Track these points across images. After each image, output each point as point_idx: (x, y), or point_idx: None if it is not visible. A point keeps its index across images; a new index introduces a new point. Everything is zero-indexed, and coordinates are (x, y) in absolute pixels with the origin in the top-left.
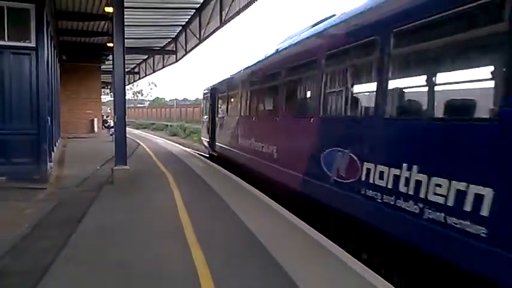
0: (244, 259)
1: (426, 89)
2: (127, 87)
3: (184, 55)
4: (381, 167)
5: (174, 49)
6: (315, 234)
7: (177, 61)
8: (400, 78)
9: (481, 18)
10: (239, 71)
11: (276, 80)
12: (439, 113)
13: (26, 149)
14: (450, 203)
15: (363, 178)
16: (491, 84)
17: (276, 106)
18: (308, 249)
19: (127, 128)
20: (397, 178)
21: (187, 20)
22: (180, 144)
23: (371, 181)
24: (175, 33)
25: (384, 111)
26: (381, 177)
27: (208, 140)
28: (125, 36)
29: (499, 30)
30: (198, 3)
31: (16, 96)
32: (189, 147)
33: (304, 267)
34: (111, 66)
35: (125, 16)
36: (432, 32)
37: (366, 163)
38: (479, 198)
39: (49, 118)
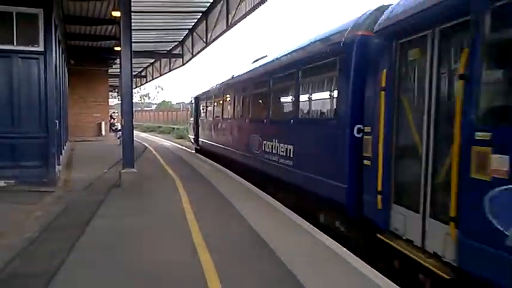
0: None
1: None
2: (134, 90)
3: (190, 58)
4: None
5: (181, 52)
6: (319, 234)
7: (183, 64)
8: (272, 101)
9: (326, 69)
10: (212, 87)
11: (231, 96)
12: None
13: (35, 152)
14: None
15: (263, 149)
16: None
17: (232, 112)
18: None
19: (134, 131)
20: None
21: (194, 23)
22: (186, 147)
23: (266, 150)
24: (182, 37)
25: (268, 116)
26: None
27: (193, 137)
28: (132, 40)
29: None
30: (205, 7)
31: (25, 100)
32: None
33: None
34: (118, 70)
35: (132, 20)
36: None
37: (264, 142)
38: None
39: (57, 122)
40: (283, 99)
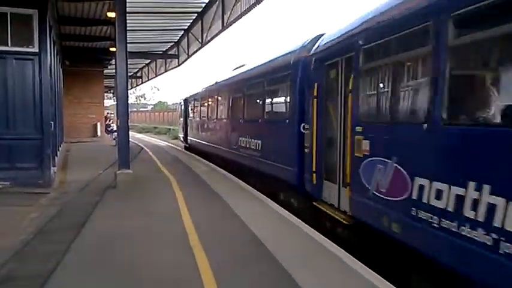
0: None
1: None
2: (130, 91)
3: (186, 59)
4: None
5: (177, 53)
6: (317, 235)
7: (179, 65)
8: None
9: (282, 81)
10: (199, 90)
11: (214, 99)
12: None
13: (30, 154)
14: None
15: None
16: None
17: (215, 113)
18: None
19: (130, 132)
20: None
21: (189, 24)
22: (181, 147)
23: (242, 145)
24: (178, 38)
25: (243, 117)
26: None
27: (183, 135)
28: (128, 41)
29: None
30: (200, 8)
31: (19, 101)
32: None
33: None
34: (113, 71)
35: (127, 21)
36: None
37: (240, 138)
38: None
39: (52, 123)
40: (254, 103)
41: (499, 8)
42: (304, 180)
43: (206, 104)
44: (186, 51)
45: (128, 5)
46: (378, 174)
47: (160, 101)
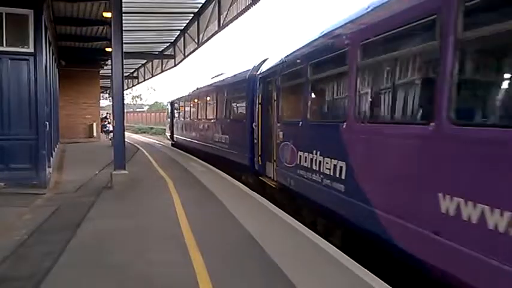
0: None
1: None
2: (126, 91)
3: (182, 59)
4: (217, 135)
5: (173, 53)
6: (307, 232)
7: (175, 65)
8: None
9: (241, 91)
10: (183, 95)
11: (195, 102)
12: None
13: (25, 154)
14: (226, 141)
15: (214, 140)
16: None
17: (196, 114)
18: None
19: (126, 133)
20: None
21: (185, 24)
22: (178, 148)
23: (215, 140)
24: (174, 38)
25: (216, 117)
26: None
27: (170, 134)
28: (124, 41)
29: (244, 94)
30: (197, 8)
31: (14, 101)
32: (185, 152)
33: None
34: (110, 71)
35: (123, 21)
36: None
37: (214, 134)
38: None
39: (48, 123)
40: (223, 106)
41: (388, 41)
42: (254, 162)
43: (188, 107)
44: (183, 52)
45: (124, 5)
46: (285, 152)
47: (156, 102)
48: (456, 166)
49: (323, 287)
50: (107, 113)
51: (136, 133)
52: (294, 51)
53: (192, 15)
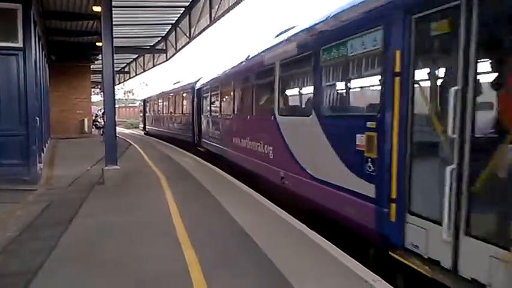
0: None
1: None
2: (118, 86)
3: (174, 54)
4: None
5: (164, 48)
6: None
7: (167, 60)
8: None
9: (187, 96)
10: (150, 96)
11: (160, 101)
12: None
13: (15, 150)
14: (181, 128)
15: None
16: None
17: (161, 110)
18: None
19: (118, 128)
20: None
21: (177, 18)
22: (170, 143)
23: (171, 127)
24: (165, 32)
25: (169, 113)
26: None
27: (143, 125)
28: (114, 36)
29: (190, 98)
30: (188, 1)
31: (4, 97)
32: (177, 146)
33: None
34: (100, 66)
35: (114, 15)
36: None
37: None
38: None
39: (38, 119)
40: (177, 104)
41: (290, 64)
42: (195, 139)
43: (156, 105)
44: (174, 46)
45: None
46: (206, 132)
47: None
48: (282, 131)
49: (314, 278)
50: (98, 110)
51: (129, 128)
52: (211, 79)
53: (183, 8)
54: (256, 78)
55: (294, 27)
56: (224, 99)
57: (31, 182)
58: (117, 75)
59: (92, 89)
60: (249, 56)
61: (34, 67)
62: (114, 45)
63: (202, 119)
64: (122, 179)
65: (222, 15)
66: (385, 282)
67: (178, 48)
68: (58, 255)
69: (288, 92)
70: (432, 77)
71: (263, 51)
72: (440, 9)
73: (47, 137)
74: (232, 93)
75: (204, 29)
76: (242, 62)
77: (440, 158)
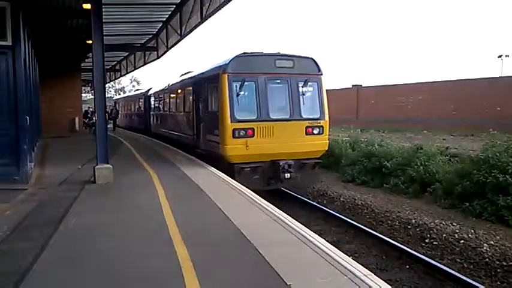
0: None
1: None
2: (109, 84)
3: (165, 51)
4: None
5: (156, 45)
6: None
7: (158, 57)
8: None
9: (139, 101)
10: (118, 97)
11: (124, 103)
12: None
13: (5, 149)
14: (140, 121)
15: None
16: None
17: (128, 110)
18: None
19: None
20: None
21: (168, 16)
22: (162, 141)
23: (135, 121)
24: (156, 30)
25: (135, 111)
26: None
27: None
28: (105, 33)
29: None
30: None
31: None
32: (170, 144)
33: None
34: (91, 64)
35: (104, 12)
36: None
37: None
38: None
39: (28, 117)
40: (134, 107)
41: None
42: (149, 127)
43: (122, 105)
44: (165, 44)
45: None
46: (154, 122)
47: None
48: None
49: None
50: (89, 107)
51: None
52: (155, 91)
53: (174, 6)
54: (171, 94)
55: (189, 72)
56: (160, 103)
57: (21, 182)
58: (108, 73)
59: (83, 87)
60: (168, 83)
61: (23, 65)
62: (104, 43)
63: (151, 114)
64: (114, 178)
65: (213, 13)
66: (376, 277)
67: (169, 46)
68: (48, 256)
69: (185, 102)
70: None
71: (173, 84)
72: None
73: (38, 135)
74: (163, 100)
75: (195, 27)
76: (166, 87)
77: None
